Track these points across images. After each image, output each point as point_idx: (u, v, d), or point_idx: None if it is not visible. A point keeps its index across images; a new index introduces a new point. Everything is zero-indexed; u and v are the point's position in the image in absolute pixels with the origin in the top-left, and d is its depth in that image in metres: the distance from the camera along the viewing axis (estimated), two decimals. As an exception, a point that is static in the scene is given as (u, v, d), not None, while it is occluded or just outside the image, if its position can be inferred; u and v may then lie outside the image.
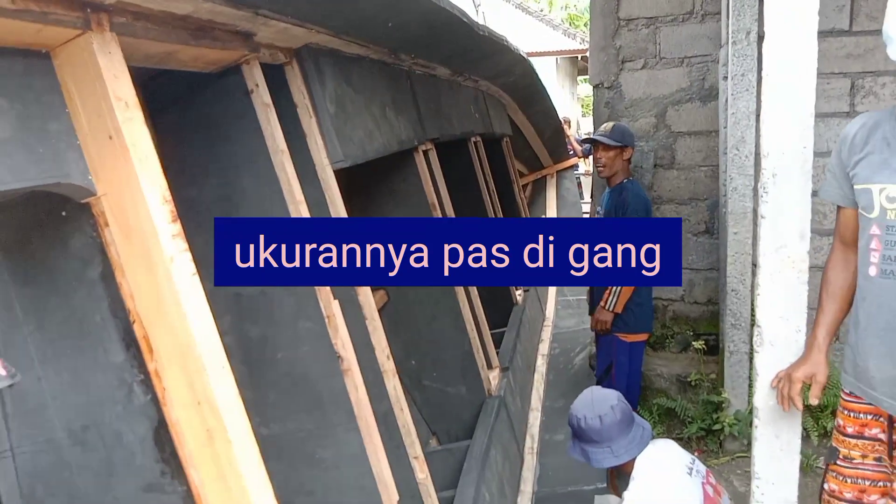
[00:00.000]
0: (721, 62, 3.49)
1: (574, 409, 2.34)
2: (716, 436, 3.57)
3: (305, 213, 1.87)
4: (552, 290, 6.38)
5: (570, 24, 20.12)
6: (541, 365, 4.76)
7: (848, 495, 1.88)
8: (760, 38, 3.16)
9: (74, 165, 1.16)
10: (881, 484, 1.85)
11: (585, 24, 23.63)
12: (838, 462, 1.86)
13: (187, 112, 1.83)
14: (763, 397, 1.82)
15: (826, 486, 1.88)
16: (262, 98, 1.79)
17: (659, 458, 2.19)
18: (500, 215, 5.17)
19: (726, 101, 3.38)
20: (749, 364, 3.49)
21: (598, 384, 3.79)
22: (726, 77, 3.37)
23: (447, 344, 3.44)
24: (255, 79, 1.78)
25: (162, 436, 1.29)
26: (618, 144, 3.36)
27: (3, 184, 1.01)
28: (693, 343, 3.70)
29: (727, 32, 3.32)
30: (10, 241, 1.32)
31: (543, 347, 5.09)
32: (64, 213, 1.27)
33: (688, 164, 3.90)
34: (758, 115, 3.28)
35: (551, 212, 7.89)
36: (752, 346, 3.46)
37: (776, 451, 1.81)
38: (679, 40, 3.78)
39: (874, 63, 3.23)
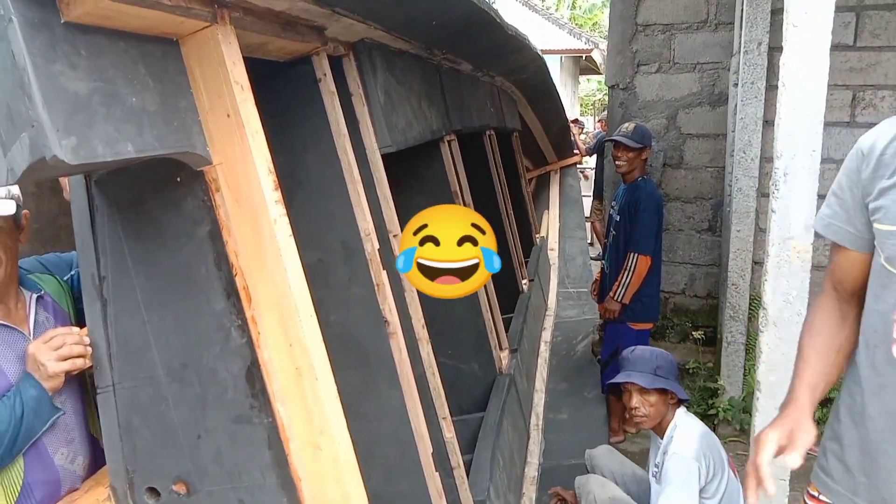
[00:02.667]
0: (732, 70, 3.71)
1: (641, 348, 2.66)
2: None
3: (361, 192, 2.08)
4: (554, 280, 6.62)
5: (575, 24, 20.33)
6: (544, 350, 4.99)
7: None
8: (771, 49, 3.38)
9: (197, 138, 1.37)
10: None
11: (594, 25, 23.89)
12: None
13: (260, 96, 2.02)
14: (764, 372, 2.03)
15: None
16: (328, 86, 1.99)
17: (693, 416, 2.49)
18: (510, 208, 5.39)
19: (735, 106, 3.60)
20: (745, 354, 3.72)
21: (602, 369, 4.03)
22: (737, 84, 3.59)
23: (462, 323, 3.65)
24: (324, 69, 1.98)
25: (253, 373, 1.49)
26: (638, 146, 3.58)
27: (151, 149, 1.22)
28: (692, 333, 3.93)
29: (739, 42, 3.54)
30: (125, 200, 1.52)
31: (546, 335, 5.32)
32: (178, 179, 1.47)
33: (695, 164, 4.12)
34: (765, 121, 3.51)
35: (554, 207, 8.11)
36: (748, 336, 3.69)
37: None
38: (693, 47, 3.99)
39: (875, 77, 3.45)
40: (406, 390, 2.13)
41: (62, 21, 1.07)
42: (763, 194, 3.67)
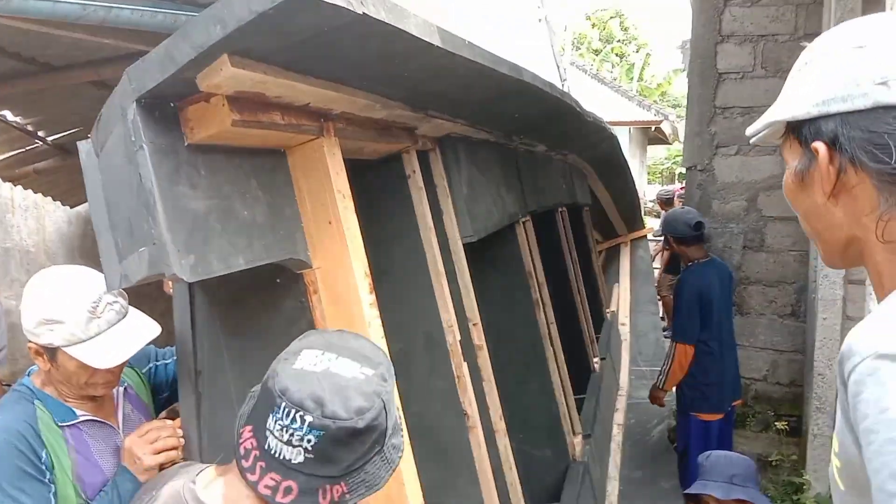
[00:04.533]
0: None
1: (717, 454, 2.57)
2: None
3: (444, 283, 2.10)
4: (625, 358, 6.46)
5: (643, 96, 20.44)
6: (616, 434, 4.84)
7: None
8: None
9: (300, 244, 1.42)
10: None
11: (662, 95, 23.96)
12: None
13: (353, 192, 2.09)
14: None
15: None
16: (417, 182, 2.04)
17: None
18: (581, 283, 5.34)
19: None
20: (831, 447, 3.53)
21: (679, 462, 3.89)
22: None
23: (535, 406, 3.58)
24: (413, 165, 2.03)
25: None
26: (660, 238, 3.60)
27: (260, 259, 1.27)
28: (775, 423, 3.76)
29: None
30: (225, 298, 1.58)
31: (619, 417, 5.17)
32: (278, 280, 1.51)
33: (777, 247, 4.03)
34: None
35: (625, 280, 8.00)
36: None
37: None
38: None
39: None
40: (484, 487, 2.09)
41: (185, 144, 1.14)
42: (850, 281, 3.54)
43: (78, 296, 1.54)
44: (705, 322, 3.60)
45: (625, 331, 6.94)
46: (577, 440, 3.68)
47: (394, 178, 2.03)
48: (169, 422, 1.64)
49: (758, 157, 3.98)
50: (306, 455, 0.98)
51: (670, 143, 21.67)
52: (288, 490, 1.00)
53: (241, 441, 1.04)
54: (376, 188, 2.07)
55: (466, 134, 2.49)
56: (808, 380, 3.61)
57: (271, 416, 1.00)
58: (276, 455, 0.99)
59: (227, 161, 1.23)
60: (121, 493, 1.56)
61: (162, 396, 1.94)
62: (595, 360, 5.28)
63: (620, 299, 7.43)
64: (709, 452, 2.67)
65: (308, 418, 0.97)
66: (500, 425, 2.39)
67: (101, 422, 1.69)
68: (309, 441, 0.98)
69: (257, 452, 1.01)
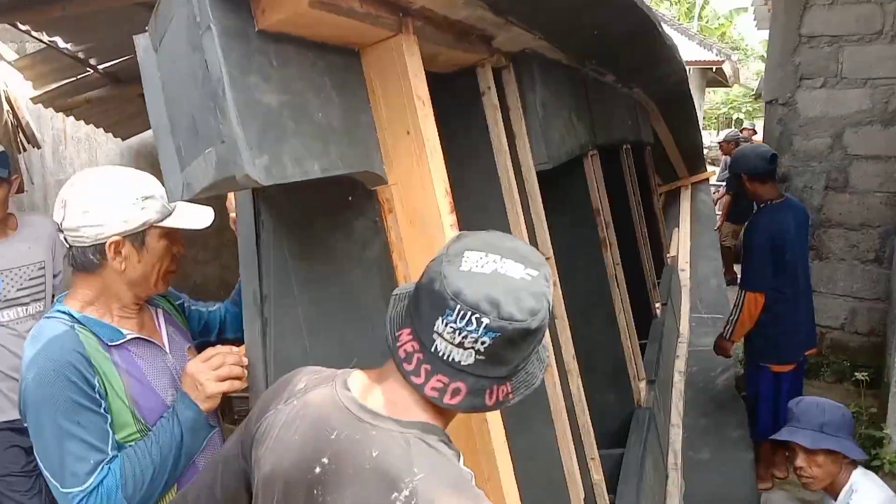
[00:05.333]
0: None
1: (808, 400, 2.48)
2: (874, 472, 3.42)
3: (520, 212, 1.95)
4: (686, 305, 6.25)
5: (704, 35, 19.56)
6: (678, 381, 4.69)
7: None
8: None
9: (375, 156, 1.28)
10: None
11: (722, 36, 22.94)
12: None
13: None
14: None
15: None
16: (492, 99, 1.88)
17: (874, 477, 2.22)
18: (644, 225, 5.12)
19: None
20: (916, 402, 3.32)
21: (750, 412, 3.72)
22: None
23: (599, 350, 3.45)
24: (488, 81, 1.86)
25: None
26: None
27: (335, 168, 1.13)
28: (853, 374, 3.56)
29: (926, 53, 3.17)
30: (293, 218, 1.45)
31: (680, 364, 5.00)
32: (350, 199, 1.38)
33: (862, 188, 3.75)
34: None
35: (685, 224, 7.72)
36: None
37: None
38: (864, 60, 3.63)
39: None
40: (559, 428, 1.98)
41: (256, 29, 0.99)
42: (949, 224, 3.28)
43: (147, 176, 1.56)
44: (778, 267, 3.38)
45: (685, 277, 6.72)
46: (642, 386, 3.54)
47: (468, 93, 1.87)
48: (234, 348, 1.54)
49: (845, 91, 3.67)
50: (477, 357, 0.94)
51: (730, 86, 20.80)
52: (456, 391, 0.96)
53: (400, 345, 0.99)
54: (448, 105, 1.90)
55: (541, 51, 2.30)
56: (892, 329, 3.38)
57: (441, 318, 0.94)
58: (445, 357, 0.95)
59: (299, 54, 1.09)
60: (181, 421, 1.48)
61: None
62: (657, 305, 5.11)
63: (681, 244, 7.18)
64: (800, 398, 2.50)
65: (485, 320, 0.92)
66: (572, 365, 2.26)
67: (149, 340, 1.60)
68: (483, 343, 0.93)
69: (421, 355, 0.97)
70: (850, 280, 3.83)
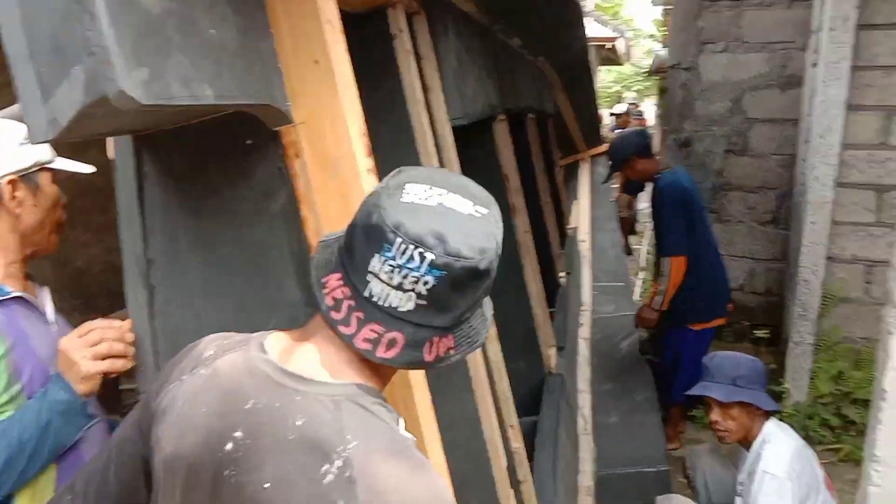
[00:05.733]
0: (811, 49, 3.42)
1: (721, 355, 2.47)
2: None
3: (436, 165, 1.82)
4: (587, 275, 6.35)
5: (599, 12, 19.94)
6: (583, 348, 4.73)
7: None
8: (859, 26, 3.10)
9: (278, 90, 1.11)
10: None
11: (614, 15, 23.48)
12: None
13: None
14: (891, 379, 1.77)
15: None
16: (404, 44, 1.73)
17: (786, 427, 2.25)
18: (549, 194, 5.12)
19: (814, 88, 3.31)
20: (811, 356, 3.45)
21: (660, 375, 3.77)
22: (815, 64, 3.30)
23: (510, 316, 3.38)
24: (400, 24, 1.71)
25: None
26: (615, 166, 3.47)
27: (231, 96, 0.96)
28: (755, 332, 3.66)
29: (821, 19, 3.25)
30: (182, 168, 1.26)
31: (584, 331, 5.05)
32: (249, 143, 1.21)
33: (760, 151, 3.85)
34: (848, 105, 3.23)
35: (584, 198, 7.83)
36: (816, 338, 3.43)
37: (903, 437, 1.77)
38: (763, 25, 3.71)
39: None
40: (480, 395, 1.88)
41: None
42: (840, 184, 3.39)
43: None
44: (690, 228, 3.42)
45: (585, 247, 6.82)
46: (552, 353, 3.52)
47: (378, 37, 1.71)
48: (117, 321, 1.34)
49: (746, 55, 3.74)
50: (418, 301, 0.83)
51: (622, 65, 21.36)
52: (392, 343, 0.85)
53: (327, 292, 0.87)
54: (359, 51, 1.73)
55: (453, 0, 2.16)
56: (791, 286, 3.49)
57: (378, 255, 0.82)
58: (380, 303, 0.83)
59: (185, -43, 0.90)
60: (51, 404, 1.27)
61: None
62: (561, 275, 5.13)
63: (581, 216, 7.28)
64: (713, 354, 2.51)
65: (429, 256, 0.81)
66: (491, 330, 2.16)
67: (32, 304, 1.41)
68: (426, 284, 0.82)
69: (353, 302, 0.84)
70: (748, 241, 3.94)
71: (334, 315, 0.85)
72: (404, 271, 0.81)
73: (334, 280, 0.86)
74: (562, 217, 6.27)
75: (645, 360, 4.20)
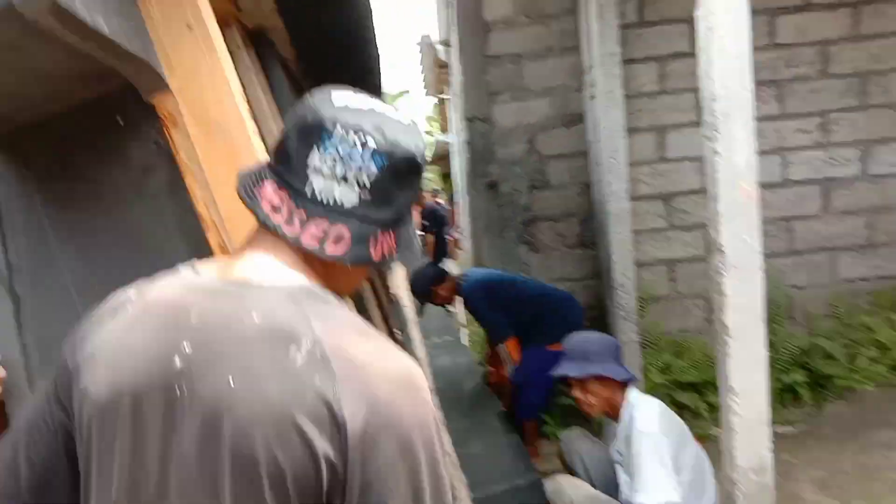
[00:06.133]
0: (587, 85, 3.89)
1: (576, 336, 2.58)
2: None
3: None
4: (416, 335, 6.46)
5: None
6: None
7: None
8: (622, 60, 3.60)
9: (152, 54, 1.10)
10: None
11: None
12: None
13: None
14: (731, 315, 2.01)
15: None
16: (244, 60, 1.76)
17: (646, 395, 2.39)
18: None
19: (595, 118, 3.76)
20: (640, 353, 3.77)
21: (513, 400, 3.89)
22: (593, 97, 3.76)
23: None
24: (238, 41, 1.74)
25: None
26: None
27: (121, 39, 0.95)
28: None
29: (591, 58, 3.73)
30: (43, 161, 1.19)
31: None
32: (120, 121, 1.17)
33: (559, 183, 4.24)
34: (627, 128, 3.70)
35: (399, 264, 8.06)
36: (640, 336, 3.75)
37: (748, 363, 2.00)
38: (542, 73, 4.16)
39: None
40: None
41: None
42: (633, 197, 3.83)
43: None
44: (507, 308, 3.65)
45: (409, 311, 6.96)
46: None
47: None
48: None
49: (532, 101, 4.17)
50: (361, 194, 0.83)
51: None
52: (339, 238, 0.83)
53: (262, 200, 0.84)
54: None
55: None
56: (609, 294, 3.82)
57: (317, 150, 0.82)
58: (324, 199, 0.82)
59: None
60: None
61: None
62: (397, 332, 5.20)
63: (400, 282, 7.43)
64: (569, 336, 2.63)
65: (371, 143, 0.82)
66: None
67: None
68: (370, 174, 0.83)
69: (293, 204, 0.83)
70: (562, 265, 4.27)
71: (275, 218, 0.83)
72: (347, 161, 0.82)
73: (267, 190, 0.84)
74: (386, 283, 6.40)
75: (488, 385, 4.35)
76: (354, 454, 0.73)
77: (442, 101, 13.40)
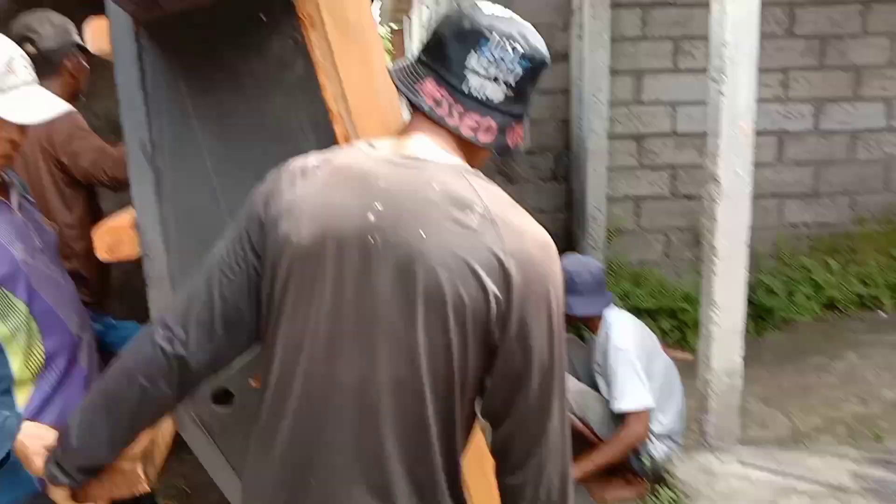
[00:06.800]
0: (575, 25, 4.08)
1: (568, 265, 2.72)
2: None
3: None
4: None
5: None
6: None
7: None
8: (612, 4, 3.81)
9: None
10: None
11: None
12: None
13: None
14: (720, 239, 2.30)
15: None
16: None
17: (621, 310, 2.69)
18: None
19: (581, 58, 3.97)
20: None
21: None
22: (581, 36, 3.96)
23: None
24: None
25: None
26: None
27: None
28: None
29: (580, -1, 3.92)
30: (188, 48, 1.31)
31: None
32: (263, 17, 1.31)
33: (538, 118, 4.45)
34: (611, 69, 3.93)
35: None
36: (605, 265, 4.07)
37: (731, 281, 2.31)
38: (530, 9, 4.31)
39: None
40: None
41: None
42: (611, 136, 4.09)
43: None
44: None
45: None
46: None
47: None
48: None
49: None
50: (506, 92, 1.00)
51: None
52: (489, 129, 1.01)
53: (424, 95, 1.01)
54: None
55: None
56: (580, 225, 4.12)
57: (474, 53, 0.99)
58: (478, 96, 1.00)
59: None
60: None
61: None
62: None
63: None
64: (567, 260, 2.89)
65: (520, 49, 0.99)
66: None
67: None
68: (516, 74, 1.00)
69: (452, 99, 1.00)
70: (535, 197, 4.52)
71: (438, 111, 1.01)
72: (499, 64, 0.99)
73: (429, 86, 1.01)
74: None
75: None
76: (515, 296, 0.95)
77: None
